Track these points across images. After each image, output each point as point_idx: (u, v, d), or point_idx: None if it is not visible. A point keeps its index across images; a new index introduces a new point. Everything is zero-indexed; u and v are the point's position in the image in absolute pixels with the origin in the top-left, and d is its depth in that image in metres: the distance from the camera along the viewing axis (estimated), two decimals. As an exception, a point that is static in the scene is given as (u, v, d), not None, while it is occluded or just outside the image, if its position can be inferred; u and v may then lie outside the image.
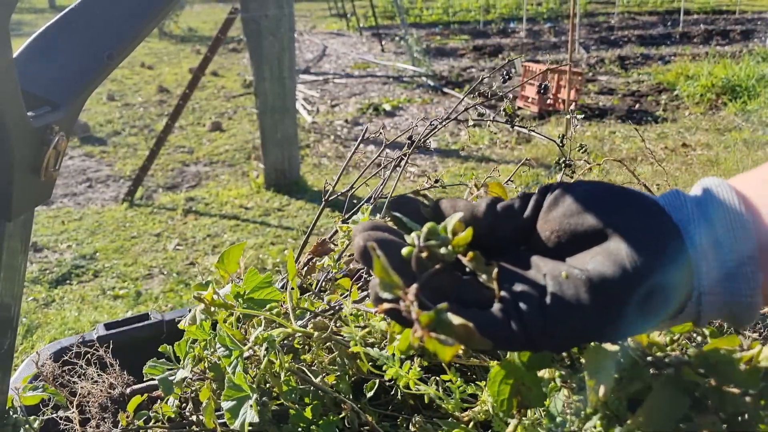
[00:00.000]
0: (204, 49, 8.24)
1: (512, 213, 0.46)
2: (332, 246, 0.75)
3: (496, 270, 0.44)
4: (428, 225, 0.44)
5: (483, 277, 0.44)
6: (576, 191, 0.46)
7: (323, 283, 0.81)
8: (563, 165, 0.90)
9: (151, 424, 0.75)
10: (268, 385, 0.69)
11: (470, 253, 0.44)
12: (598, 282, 0.41)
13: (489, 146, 6.03)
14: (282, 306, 0.72)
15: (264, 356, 0.64)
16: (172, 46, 12.47)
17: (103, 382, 0.80)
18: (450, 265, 0.44)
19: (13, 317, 0.67)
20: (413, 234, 0.44)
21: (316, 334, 0.66)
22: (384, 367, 0.58)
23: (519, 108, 6.82)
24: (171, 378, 0.72)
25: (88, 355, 0.84)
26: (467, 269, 0.45)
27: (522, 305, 0.42)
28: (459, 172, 5.35)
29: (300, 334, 0.71)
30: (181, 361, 0.73)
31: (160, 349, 0.76)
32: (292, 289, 0.71)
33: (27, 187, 0.59)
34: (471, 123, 0.91)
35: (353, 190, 0.92)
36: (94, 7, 0.64)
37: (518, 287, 0.43)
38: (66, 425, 0.76)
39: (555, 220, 0.45)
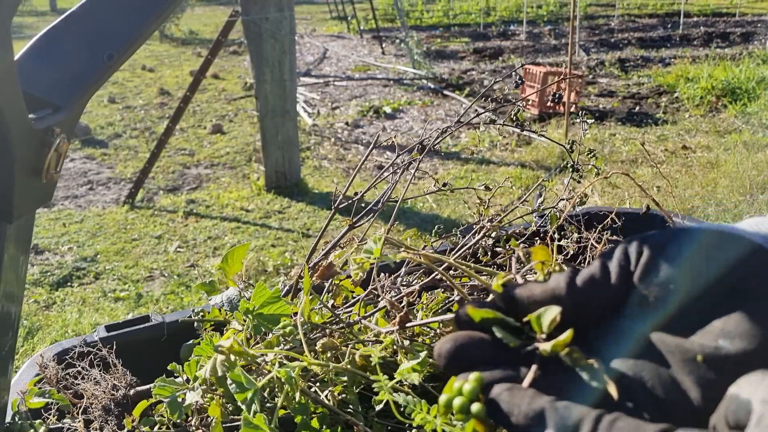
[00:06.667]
0: (205, 52, 8.26)
1: (597, 285, 0.43)
2: (338, 270, 0.75)
3: (604, 375, 0.40)
4: (531, 317, 0.42)
5: (584, 376, 0.40)
6: (671, 245, 0.41)
7: (331, 286, 0.81)
8: (571, 169, 0.90)
9: (156, 429, 0.74)
10: (276, 400, 0.67)
11: (566, 349, 0.41)
12: (740, 360, 0.37)
13: (489, 149, 6.03)
14: (292, 318, 0.71)
15: (278, 379, 0.62)
16: (173, 48, 12.48)
17: (106, 383, 0.80)
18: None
19: (14, 319, 0.67)
20: (499, 333, 0.42)
21: (332, 365, 0.65)
22: (413, 414, 0.57)
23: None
24: (180, 400, 0.70)
25: (90, 357, 0.84)
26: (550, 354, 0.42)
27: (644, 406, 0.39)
28: (460, 174, 5.35)
29: (310, 338, 0.70)
30: (191, 383, 0.72)
31: (169, 368, 0.74)
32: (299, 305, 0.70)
33: (28, 189, 0.59)
34: (483, 128, 0.91)
35: (358, 196, 0.92)
36: (96, 10, 0.64)
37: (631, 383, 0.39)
38: (70, 426, 0.76)
39: (654, 286, 0.41)
